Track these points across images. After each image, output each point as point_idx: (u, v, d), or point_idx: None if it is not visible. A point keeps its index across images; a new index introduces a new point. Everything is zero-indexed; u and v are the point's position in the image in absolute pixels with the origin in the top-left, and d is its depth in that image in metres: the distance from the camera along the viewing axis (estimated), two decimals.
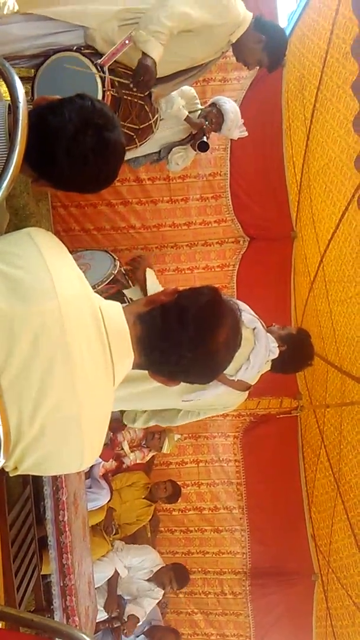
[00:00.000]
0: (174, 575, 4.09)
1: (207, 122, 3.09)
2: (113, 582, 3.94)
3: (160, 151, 3.22)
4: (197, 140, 3.12)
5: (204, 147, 3.08)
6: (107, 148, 1.12)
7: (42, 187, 1.17)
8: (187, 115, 3.06)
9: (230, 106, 3.12)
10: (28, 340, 0.90)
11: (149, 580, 4.14)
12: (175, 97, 2.93)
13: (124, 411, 2.54)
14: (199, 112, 3.19)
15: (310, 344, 2.55)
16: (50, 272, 0.95)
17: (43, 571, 2.94)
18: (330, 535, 3.77)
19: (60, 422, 0.93)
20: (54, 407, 0.92)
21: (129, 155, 2.88)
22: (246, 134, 3.23)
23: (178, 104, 2.95)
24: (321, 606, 4.12)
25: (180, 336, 1.01)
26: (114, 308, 1.04)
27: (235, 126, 3.18)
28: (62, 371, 0.92)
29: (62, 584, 2.78)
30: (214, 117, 3.12)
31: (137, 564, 4.12)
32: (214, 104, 3.16)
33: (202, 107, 3.25)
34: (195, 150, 3.23)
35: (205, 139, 3.07)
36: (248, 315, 2.30)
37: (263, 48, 2.56)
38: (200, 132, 3.11)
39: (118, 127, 1.14)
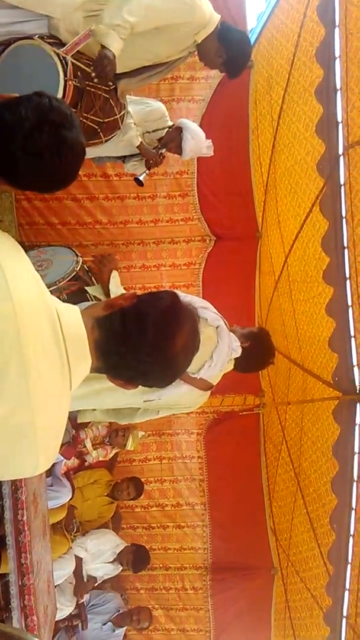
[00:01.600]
0: (131, 559, 4.12)
1: (162, 152, 3.15)
2: (78, 569, 3.92)
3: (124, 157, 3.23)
4: (145, 166, 3.19)
5: (138, 182, 3.18)
6: (63, 146, 1.10)
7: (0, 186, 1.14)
8: (141, 143, 3.10)
9: (191, 145, 3.13)
10: None
11: (113, 561, 4.15)
12: (131, 126, 2.96)
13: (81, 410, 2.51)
14: (166, 130, 3.20)
15: (270, 342, 2.57)
16: (5, 274, 0.93)
17: (1, 570, 2.89)
18: (290, 530, 3.85)
19: (13, 428, 0.91)
20: (7, 413, 0.89)
21: (93, 153, 2.83)
22: (211, 153, 3.27)
23: (132, 132, 2.99)
24: (280, 599, 4.21)
25: (138, 341, 1.00)
26: (72, 312, 1.02)
27: (195, 155, 3.26)
28: (16, 377, 0.90)
29: (20, 583, 2.73)
30: (174, 148, 3.17)
31: (97, 548, 4.11)
32: (180, 130, 3.15)
33: (172, 123, 3.24)
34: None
35: (144, 174, 3.16)
36: (211, 314, 2.31)
37: (222, 63, 2.56)
38: (148, 162, 3.16)
39: (77, 126, 1.12)
